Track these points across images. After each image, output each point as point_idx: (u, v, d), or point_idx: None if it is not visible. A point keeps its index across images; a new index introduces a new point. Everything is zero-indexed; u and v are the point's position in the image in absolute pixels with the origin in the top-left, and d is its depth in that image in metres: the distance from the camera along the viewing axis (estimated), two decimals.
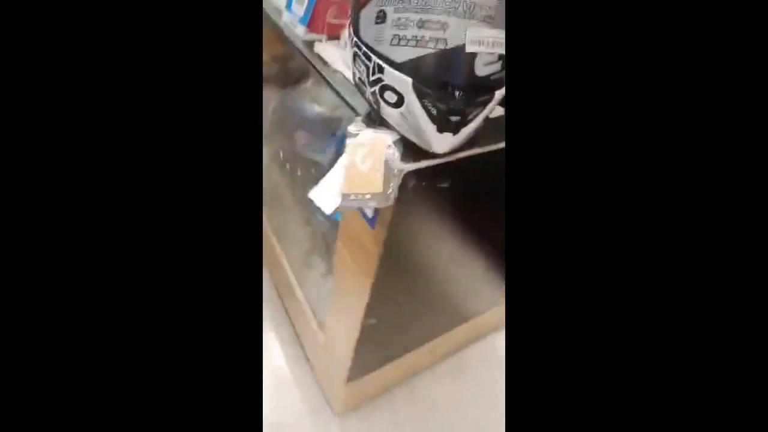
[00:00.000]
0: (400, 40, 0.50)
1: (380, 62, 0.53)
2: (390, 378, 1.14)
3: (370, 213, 0.64)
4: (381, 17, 0.51)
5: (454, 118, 0.52)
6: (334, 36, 0.80)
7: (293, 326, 1.32)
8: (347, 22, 0.60)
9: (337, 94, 0.66)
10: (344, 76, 0.71)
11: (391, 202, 0.55)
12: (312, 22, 0.78)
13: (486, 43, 0.49)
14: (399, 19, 0.49)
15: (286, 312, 1.34)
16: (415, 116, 0.53)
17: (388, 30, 0.51)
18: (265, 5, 0.91)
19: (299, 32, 0.78)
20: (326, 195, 0.58)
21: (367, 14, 0.53)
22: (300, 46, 0.77)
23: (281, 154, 1.20)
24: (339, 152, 0.60)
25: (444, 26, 0.48)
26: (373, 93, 0.56)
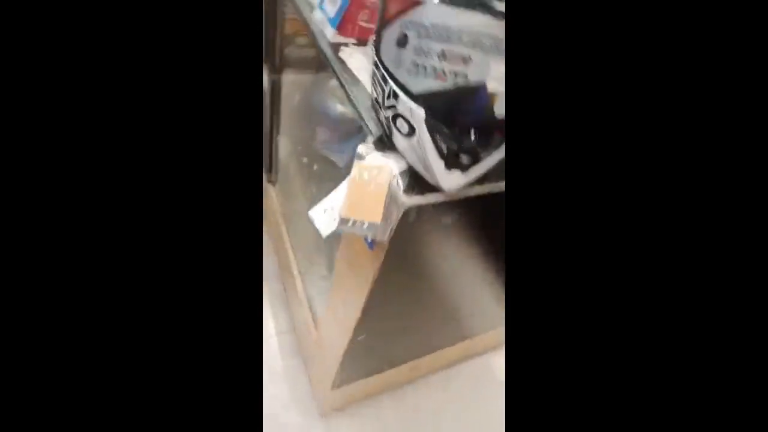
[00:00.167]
0: (419, 68, 0.47)
1: (396, 88, 0.50)
2: (377, 386, 1.13)
3: (369, 237, 0.61)
4: (402, 41, 0.48)
5: (465, 158, 0.49)
6: (363, 40, 0.77)
7: (292, 316, 1.32)
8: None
9: (354, 107, 0.63)
10: (365, 88, 0.68)
11: (387, 236, 0.52)
12: (342, 24, 0.75)
13: None
14: (420, 46, 0.46)
15: (287, 302, 1.35)
16: (424, 150, 0.50)
17: (408, 56, 0.47)
18: None
19: (328, 34, 0.75)
20: (325, 216, 0.56)
21: (390, 35, 0.50)
22: (325, 47, 0.75)
23: (300, 147, 1.19)
24: (353, 159, 0.58)
25: (467, 60, 0.45)
26: (387, 117, 0.53)
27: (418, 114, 0.48)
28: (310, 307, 1.11)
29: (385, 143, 0.57)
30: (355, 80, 0.68)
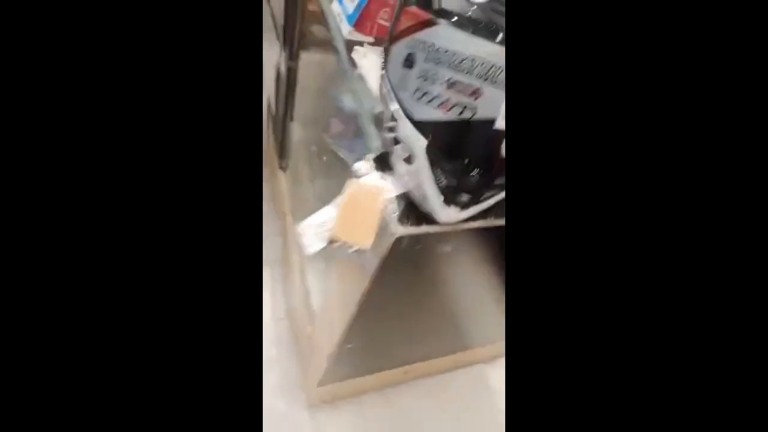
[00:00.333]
0: (423, 95, 0.43)
1: (399, 111, 0.46)
2: (365, 387, 1.13)
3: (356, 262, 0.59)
4: (409, 62, 0.44)
5: (465, 195, 0.45)
6: (382, 40, 0.73)
7: (287, 302, 1.32)
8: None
9: (358, 116, 0.60)
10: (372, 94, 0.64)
11: (374, 264, 0.50)
12: (360, 21, 0.71)
13: None
14: (428, 71, 0.42)
15: (287, 289, 1.35)
16: (422, 181, 0.46)
17: (413, 79, 0.43)
18: None
19: (344, 30, 0.71)
20: (314, 233, 0.54)
21: (398, 52, 0.46)
22: (340, 44, 0.70)
23: (312, 136, 1.16)
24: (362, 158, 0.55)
25: (476, 93, 0.41)
26: (388, 138, 0.50)
27: (418, 143, 0.44)
28: (307, 300, 1.11)
29: (384, 163, 0.53)
30: (364, 86, 0.64)
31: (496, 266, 0.69)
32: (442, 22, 0.40)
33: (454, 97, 0.41)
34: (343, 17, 0.71)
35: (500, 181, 0.45)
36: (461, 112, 0.41)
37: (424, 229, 0.49)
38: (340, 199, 0.54)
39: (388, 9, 0.69)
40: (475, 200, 0.46)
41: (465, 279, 0.71)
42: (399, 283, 0.62)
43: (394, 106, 0.46)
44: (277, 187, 1.37)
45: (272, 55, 1.13)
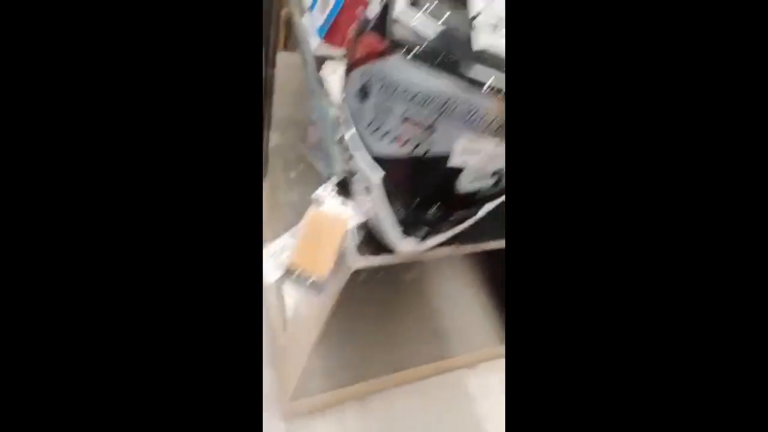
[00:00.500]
0: (378, 128, 0.41)
1: (356, 140, 0.44)
2: (340, 398, 1.12)
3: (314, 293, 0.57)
4: (364, 92, 0.42)
5: (422, 229, 0.44)
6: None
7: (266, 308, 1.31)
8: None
9: (322, 138, 0.58)
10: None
11: (331, 297, 0.48)
12: (330, 33, 0.68)
13: (478, 157, 0.40)
14: (383, 103, 0.40)
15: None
16: (379, 213, 0.45)
17: (368, 110, 0.42)
18: None
19: (312, 44, 0.69)
20: (275, 259, 0.52)
21: (355, 80, 0.44)
22: (309, 59, 0.68)
23: (290, 143, 1.13)
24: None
25: (431, 129, 0.39)
26: (348, 166, 0.48)
27: (374, 176, 0.43)
28: (281, 305, 1.09)
29: (346, 189, 0.52)
30: (330, 105, 0.62)
31: (470, 279, 0.68)
32: (396, 54, 0.38)
33: (408, 131, 0.39)
34: (313, 30, 0.69)
35: (459, 215, 0.44)
36: (415, 148, 0.40)
37: (383, 259, 0.48)
38: (300, 226, 0.52)
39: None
40: (435, 233, 0.45)
41: (437, 296, 0.70)
42: (365, 305, 0.61)
43: (351, 136, 0.45)
44: None
45: None
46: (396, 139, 0.40)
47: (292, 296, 0.74)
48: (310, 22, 0.71)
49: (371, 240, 0.49)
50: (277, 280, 0.52)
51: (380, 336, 0.78)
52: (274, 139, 1.24)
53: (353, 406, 1.24)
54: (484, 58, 0.37)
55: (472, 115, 0.38)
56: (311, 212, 0.51)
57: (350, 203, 0.51)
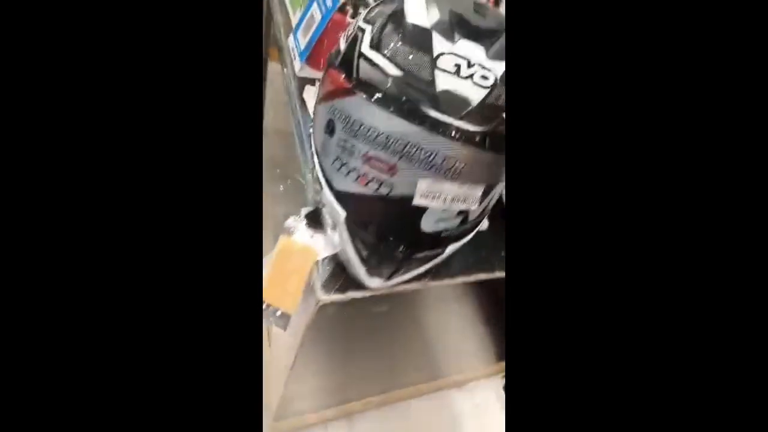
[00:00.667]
0: (342, 165, 0.41)
1: (321, 178, 0.44)
2: (325, 418, 1.11)
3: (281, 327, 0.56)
4: (330, 129, 0.41)
5: (386, 270, 0.43)
6: None
7: None
8: None
9: (302, 163, 0.57)
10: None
11: (299, 329, 0.48)
12: (312, 56, 0.68)
13: (441, 199, 0.39)
14: (346, 141, 0.40)
15: None
16: (346, 251, 0.44)
17: (333, 147, 0.41)
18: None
19: (296, 66, 0.68)
20: None
21: (322, 115, 0.43)
22: (292, 81, 0.68)
23: (278, 155, 1.13)
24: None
25: (393, 170, 0.38)
26: (319, 196, 0.48)
27: (338, 214, 0.42)
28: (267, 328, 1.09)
29: (316, 220, 0.51)
30: (308, 130, 0.62)
31: (450, 304, 0.67)
32: (359, 94, 0.38)
33: (371, 171, 0.39)
34: (296, 53, 0.69)
35: (425, 254, 0.43)
36: (378, 188, 0.39)
37: (351, 295, 0.47)
38: (271, 254, 0.52)
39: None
40: (400, 272, 0.44)
41: (415, 323, 0.69)
42: (337, 334, 0.61)
43: (318, 171, 0.44)
44: None
45: None
46: (359, 177, 0.39)
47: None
48: (294, 44, 0.70)
49: (340, 274, 0.48)
50: None
51: (357, 362, 0.77)
52: (265, 151, 1.24)
53: (339, 423, 1.23)
54: (446, 100, 0.36)
55: (433, 158, 0.37)
56: (281, 242, 0.51)
57: (320, 235, 0.50)
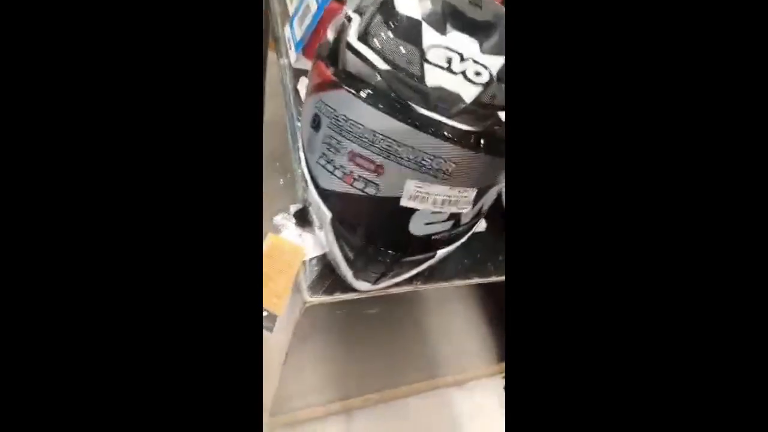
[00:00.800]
0: (328, 162, 0.39)
1: (307, 174, 0.42)
2: (319, 414, 1.11)
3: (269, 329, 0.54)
4: (316, 123, 0.39)
5: (374, 272, 0.41)
6: None
7: None
8: None
9: (293, 158, 0.55)
10: None
11: (287, 330, 0.46)
12: (309, 46, 0.66)
13: (431, 201, 0.37)
14: (331, 137, 0.38)
15: None
16: (332, 253, 0.42)
17: (319, 143, 0.39)
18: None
19: (291, 57, 0.66)
20: None
21: (308, 109, 0.41)
22: (287, 72, 0.66)
23: (279, 149, 1.11)
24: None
25: (379, 170, 0.36)
26: (306, 194, 0.46)
27: (324, 214, 0.40)
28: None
29: (304, 219, 0.49)
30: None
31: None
32: (344, 88, 0.36)
33: (357, 170, 0.37)
34: (292, 44, 0.67)
35: (414, 258, 0.41)
36: (364, 188, 0.37)
37: (339, 297, 0.46)
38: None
39: None
40: (388, 275, 0.42)
41: (418, 322, 0.68)
42: (328, 333, 0.59)
43: (304, 167, 0.42)
44: None
45: None
46: (345, 176, 0.37)
47: None
48: (291, 34, 0.68)
49: (327, 275, 0.46)
50: None
51: (358, 360, 0.76)
52: (264, 145, 1.22)
53: (337, 418, 1.23)
54: (437, 97, 0.34)
55: (422, 158, 0.35)
56: (269, 239, 0.49)
57: (309, 234, 0.49)
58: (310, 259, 0.47)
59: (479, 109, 0.35)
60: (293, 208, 0.51)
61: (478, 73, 0.34)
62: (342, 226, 0.40)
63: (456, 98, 0.34)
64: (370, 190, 0.37)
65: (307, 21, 0.65)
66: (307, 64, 0.68)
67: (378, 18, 0.36)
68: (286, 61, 0.68)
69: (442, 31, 0.35)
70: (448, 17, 0.35)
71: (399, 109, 0.34)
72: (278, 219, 0.50)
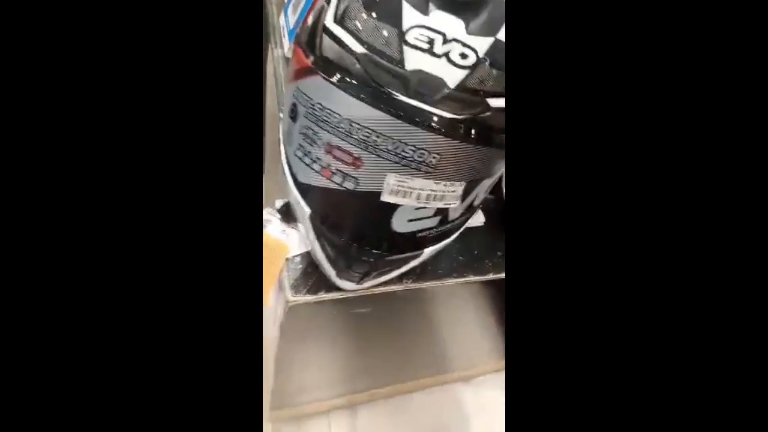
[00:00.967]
0: (304, 155, 0.36)
1: (286, 168, 0.40)
2: (323, 409, 1.10)
3: None
4: (293, 113, 0.37)
5: (357, 271, 0.39)
6: None
7: None
8: None
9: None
10: None
11: (275, 329, 0.44)
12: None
13: (414, 196, 0.34)
14: (308, 128, 0.35)
15: None
16: (314, 251, 0.40)
17: (296, 134, 0.37)
18: None
19: (285, 46, 0.64)
20: None
21: (287, 97, 0.39)
22: (280, 64, 0.64)
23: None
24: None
25: (356, 162, 0.34)
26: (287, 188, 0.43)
27: (303, 210, 0.38)
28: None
29: (289, 215, 0.47)
30: None
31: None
32: (319, 74, 0.33)
33: (335, 163, 0.34)
34: (286, 32, 0.64)
35: (398, 256, 0.39)
36: (343, 181, 0.35)
37: (323, 296, 0.44)
38: None
39: None
40: (372, 274, 0.40)
41: (426, 317, 0.65)
42: (316, 332, 0.57)
43: (283, 161, 0.40)
44: None
45: None
46: (323, 169, 0.35)
47: None
48: (285, 23, 0.66)
49: (312, 273, 0.44)
50: None
51: (358, 356, 0.74)
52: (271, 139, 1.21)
53: (342, 413, 1.22)
54: (417, 82, 0.31)
55: (402, 149, 0.32)
56: None
57: (293, 230, 0.47)
58: (294, 257, 0.45)
59: (465, 94, 0.32)
60: (279, 203, 0.49)
61: (463, 56, 0.31)
62: (322, 223, 0.37)
63: (439, 83, 0.31)
64: (349, 185, 0.34)
65: (300, 8, 0.62)
66: None
67: None
68: (280, 51, 0.66)
69: (424, 10, 0.32)
70: None
71: (376, 96, 0.31)
72: (265, 213, 0.48)
